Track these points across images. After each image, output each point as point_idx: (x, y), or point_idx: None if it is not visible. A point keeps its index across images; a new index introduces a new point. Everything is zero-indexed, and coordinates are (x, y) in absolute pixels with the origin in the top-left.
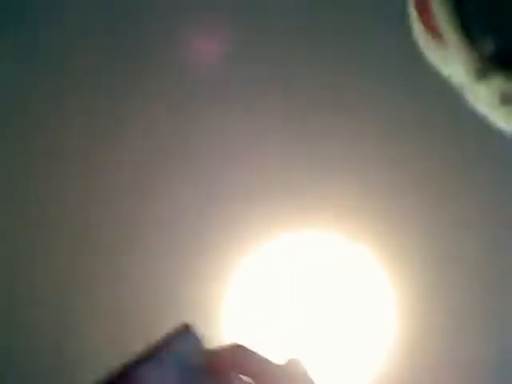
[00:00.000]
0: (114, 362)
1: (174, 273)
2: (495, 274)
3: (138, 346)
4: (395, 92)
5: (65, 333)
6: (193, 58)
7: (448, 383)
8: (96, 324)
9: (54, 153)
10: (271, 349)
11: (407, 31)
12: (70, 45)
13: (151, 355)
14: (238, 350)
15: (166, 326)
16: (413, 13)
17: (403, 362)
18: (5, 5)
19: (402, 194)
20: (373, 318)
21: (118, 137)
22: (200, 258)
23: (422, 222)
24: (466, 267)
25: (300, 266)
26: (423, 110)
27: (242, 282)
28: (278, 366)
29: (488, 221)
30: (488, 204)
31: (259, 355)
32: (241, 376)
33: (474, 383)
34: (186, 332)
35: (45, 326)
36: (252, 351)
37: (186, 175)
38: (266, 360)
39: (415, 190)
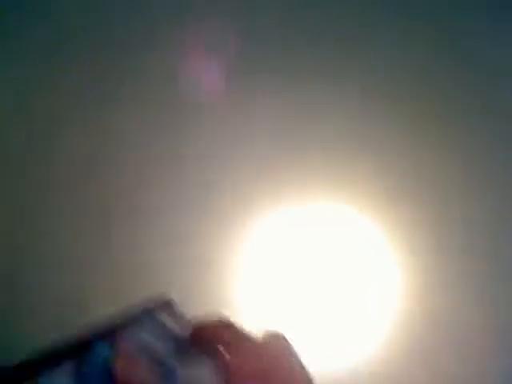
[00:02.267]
0: None
1: (182, 238)
2: (500, 248)
3: None
4: (399, 76)
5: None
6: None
7: (452, 349)
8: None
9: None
10: (276, 316)
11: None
12: (71, 58)
13: (134, 320)
14: (222, 323)
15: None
16: None
17: (405, 331)
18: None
19: (405, 167)
20: (376, 289)
21: (114, 132)
22: (207, 228)
23: (426, 194)
24: (469, 239)
25: (304, 238)
26: (430, 89)
27: (246, 254)
28: (261, 342)
29: (492, 192)
30: (492, 176)
31: (243, 331)
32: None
33: (479, 348)
34: (166, 304)
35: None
36: (236, 326)
37: (188, 151)
38: (250, 336)
39: (418, 162)
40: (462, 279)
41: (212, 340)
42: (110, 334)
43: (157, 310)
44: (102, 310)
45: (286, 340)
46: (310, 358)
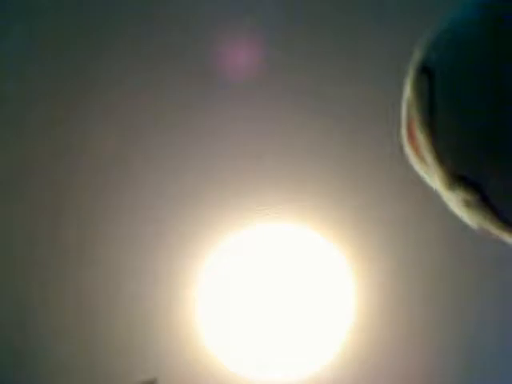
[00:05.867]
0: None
1: (143, 267)
2: (455, 269)
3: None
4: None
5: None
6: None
7: (404, 368)
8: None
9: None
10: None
11: None
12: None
13: None
14: None
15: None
16: (403, 134)
17: (360, 347)
18: None
19: (365, 189)
20: (332, 306)
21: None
22: (172, 246)
23: (384, 215)
24: (425, 259)
25: (264, 257)
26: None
27: (210, 273)
28: None
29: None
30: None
31: None
32: None
33: (430, 371)
34: None
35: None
36: None
37: (155, 171)
38: None
39: (379, 185)
40: (417, 300)
41: None
42: None
43: None
44: None
45: None
46: (270, 370)
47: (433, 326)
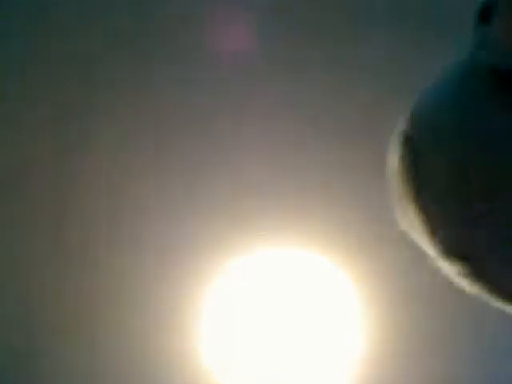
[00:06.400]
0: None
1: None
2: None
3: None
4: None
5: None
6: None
7: None
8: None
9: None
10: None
11: None
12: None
13: None
14: None
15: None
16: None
17: (369, 375)
18: None
19: (373, 211)
20: (341, 331)
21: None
22: (174, 270)
23: (391, 239)
24: (437, 282)
25: (270, 282)
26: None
27: (214, 297)
28: None
29: None
30: None
31: None
32: None
33: None
34: None
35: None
36: None
37: (157, 190)
38: None
39: (387, 207)
40: (424, 330)
41: None
42: None
43: None
44: None
45: None
46: None
47: (449, 351)
